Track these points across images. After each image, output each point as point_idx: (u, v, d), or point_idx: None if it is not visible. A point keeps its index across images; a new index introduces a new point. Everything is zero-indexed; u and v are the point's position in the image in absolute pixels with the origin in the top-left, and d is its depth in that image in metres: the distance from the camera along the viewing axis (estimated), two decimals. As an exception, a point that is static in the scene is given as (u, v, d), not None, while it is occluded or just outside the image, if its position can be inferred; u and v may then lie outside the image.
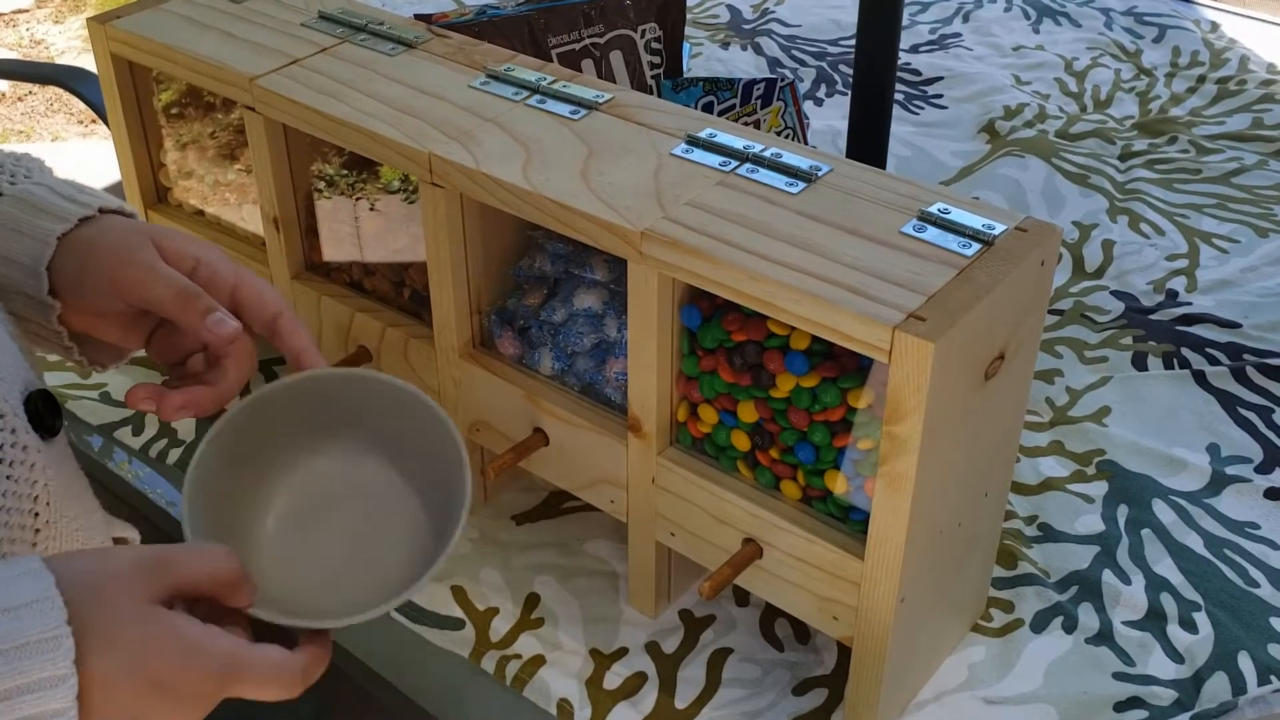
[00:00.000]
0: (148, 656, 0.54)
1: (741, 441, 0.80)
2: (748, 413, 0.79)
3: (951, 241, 0.73)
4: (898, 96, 1.58)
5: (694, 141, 0.83)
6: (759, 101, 1.26)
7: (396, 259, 0.98)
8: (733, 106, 1.24)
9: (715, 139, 0.83)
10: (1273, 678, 0.85)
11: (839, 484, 0.77)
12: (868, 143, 1.31)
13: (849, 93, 1.33)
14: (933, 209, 0.75)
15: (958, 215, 0.75)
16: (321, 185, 0.99)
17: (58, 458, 0.65)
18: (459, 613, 0.92)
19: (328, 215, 1.00)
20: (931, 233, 0.74)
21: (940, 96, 1.61)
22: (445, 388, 0.94)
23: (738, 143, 0.82)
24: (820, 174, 0.80)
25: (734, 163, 0.81)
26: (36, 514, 0.62)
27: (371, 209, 0.97)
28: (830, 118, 1.56)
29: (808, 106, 1.60)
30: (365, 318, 0.98)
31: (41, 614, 0.52)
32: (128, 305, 0.68)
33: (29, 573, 0.53)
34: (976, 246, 0.73)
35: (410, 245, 0.96)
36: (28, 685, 0.50)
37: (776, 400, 0.77)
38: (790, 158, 0.81)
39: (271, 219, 0.99)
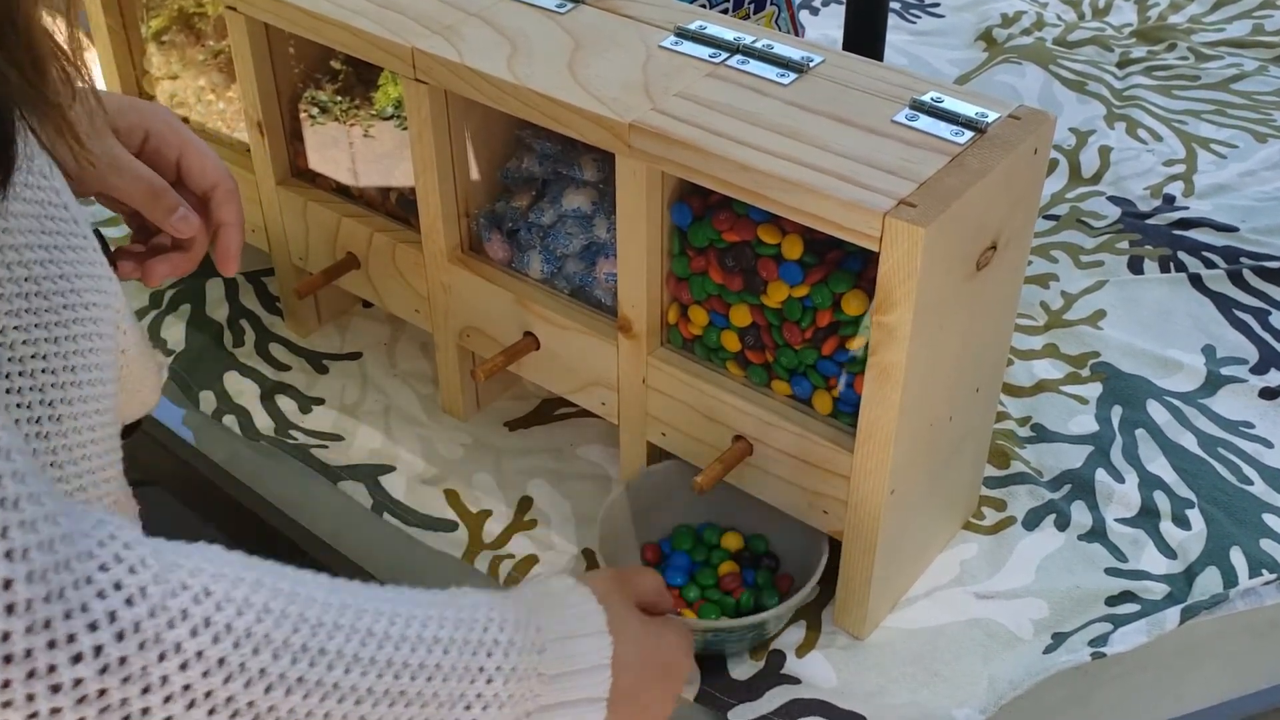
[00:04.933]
0: (659, 646, 0.63)
1: (732, 342, 0.80)
2: (740, 316, 0.78)
3: (944, 129, 0.72)
4: (894, 6, 1.56)
5: (683, 34, 0.82)
6: (752, 5, 1.24)
7: (391, 184, 0.96)
8: (726, 11, 1.22)
9: (705, 31, 0.81)
10: (1264, 571, 0.85)
11: (825, 404, 0.76)
12: (863, 51, 1.29)
13: (844, 3, 1.31)
14: (925, 98, 0.74)
15: (951, 103, 0.73)
16: (314, 111, 0.97)
17: None
18: (452, 515, 0.92)
19: (319, 142, 0.98)
20: (924, 121, 0.73)
21: (937, 5, 1.59)
22: (434, 293, 0.94)
23: (728, 34, 0.81)
24: (812, 65, 0.78)
25: (724, 54, 0.79)
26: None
27: (365, 135, 0.95)
28: (826, 27, 1.54)
29: (803, 17, 1.58)
30: (352, 223, 0.97)
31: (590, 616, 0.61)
32: (93, 191, 0.68)
33: (574, 588, 0.62)
34: (969, 134, 0.71)
35: (405, 173, 0.94)
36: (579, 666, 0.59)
37: (769, 310, 0.76)
38: (782, 49, 0.79)
39: (255, 123, 0.97)
